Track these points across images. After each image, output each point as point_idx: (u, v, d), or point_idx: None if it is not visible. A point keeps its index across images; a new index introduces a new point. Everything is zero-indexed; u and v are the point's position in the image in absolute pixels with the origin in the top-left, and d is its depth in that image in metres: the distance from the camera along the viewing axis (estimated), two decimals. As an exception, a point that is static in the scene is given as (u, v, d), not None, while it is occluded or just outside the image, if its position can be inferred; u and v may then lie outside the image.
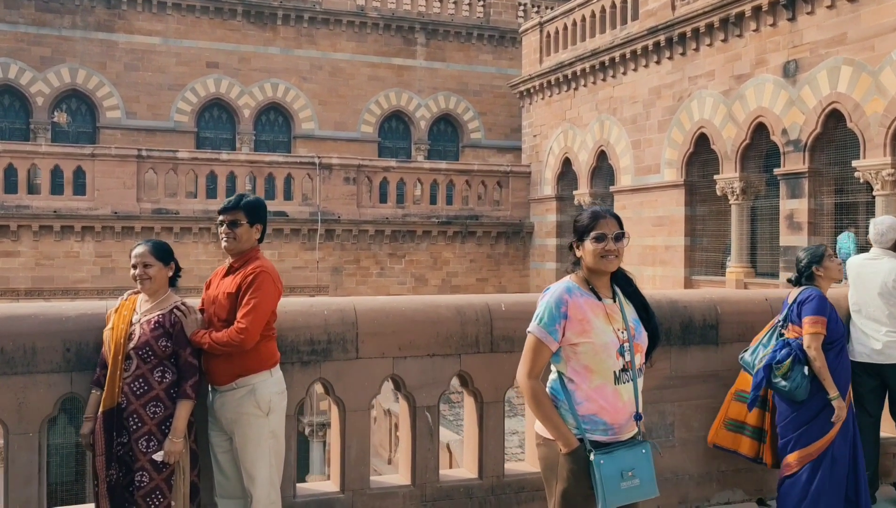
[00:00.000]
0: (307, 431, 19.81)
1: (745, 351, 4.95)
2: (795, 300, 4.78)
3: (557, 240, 21.94)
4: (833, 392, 4.52)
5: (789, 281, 4.99)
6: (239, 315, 3.50)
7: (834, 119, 13.89)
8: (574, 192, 21.06)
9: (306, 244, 20.42)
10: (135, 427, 3.44)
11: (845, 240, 12.63)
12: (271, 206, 20.13)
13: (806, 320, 4.63)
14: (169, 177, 19.35)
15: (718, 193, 16.39)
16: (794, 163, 14.49)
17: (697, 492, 5.00)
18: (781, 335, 4.79)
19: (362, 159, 21.58)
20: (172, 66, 24.42)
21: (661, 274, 17.41)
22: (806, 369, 4.55)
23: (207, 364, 3.60)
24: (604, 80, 19.76)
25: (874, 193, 13.13)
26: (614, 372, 3.05)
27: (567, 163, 21.46)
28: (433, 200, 22.13)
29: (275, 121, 26.26)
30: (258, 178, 20.31)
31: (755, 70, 15.33)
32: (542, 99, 22.57)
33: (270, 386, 3.63)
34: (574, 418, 3.05)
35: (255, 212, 3.70)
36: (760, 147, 15.74)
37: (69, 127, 23.57)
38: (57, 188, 18.78)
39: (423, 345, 4.36)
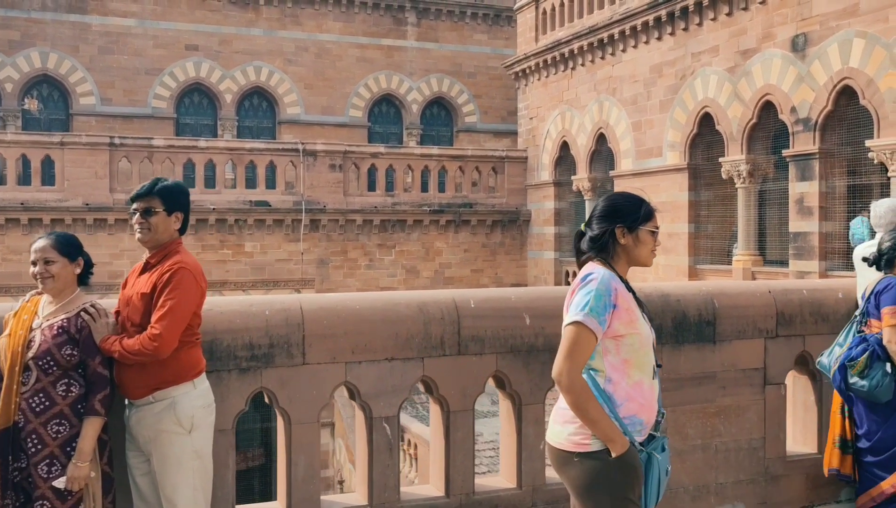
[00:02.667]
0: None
1: (822, 353, 4.61)
2: (873, 291, 4.41)
3: (556, 228, 21.57)
4: None
5: (865, 259, 4.63)
6: (153, 319, 3.14)
7: (846, 96, 13.49)
8: (572, 177, 20.68)
9: (290, 235, 20.04)
10: (34, 449, 3.08)
11: (859, 225, 12.17)
12: (254, 196, 19.78)
13: (885, 311, 4.26)
14: (144, 166, 18.95)
15: (724, 177, 16.00)
16: (804, 143, 14.10)
17: (693, 507, 4.65)
18: (861, 332, 4.44)
19: (349, 145, 21.19)
20: (149, 50, 24.01)
21: (663, 263, 17.04)
22: (888, 366, 4.18)
23: (120, 375, 3.24)
24: (602, 58, 19.35)
25: (889, 175, 12.75)
26: (653, 367, 2.97)
27: (565, 146, 21.07)
28: (424, 188, 21.75)
29: (258, 107, 25.87)
30: (238, 166, 19.93)
31: (762, 45, 14.92)
32: (539, 80, 22.16)
33: (193, 399, 3.27)
34: (616, 420, 2.87)
35: (173, 198, 3.33)
36: (768, 127, 15.35)
37: (41, 114, 23.17)
38: (25, 179, 18.40)
39: (380, 348, 4.00)
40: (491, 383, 4.36)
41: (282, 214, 19.87)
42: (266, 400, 3.96)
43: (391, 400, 4.04)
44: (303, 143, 20.40)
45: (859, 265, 5.08)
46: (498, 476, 4.50)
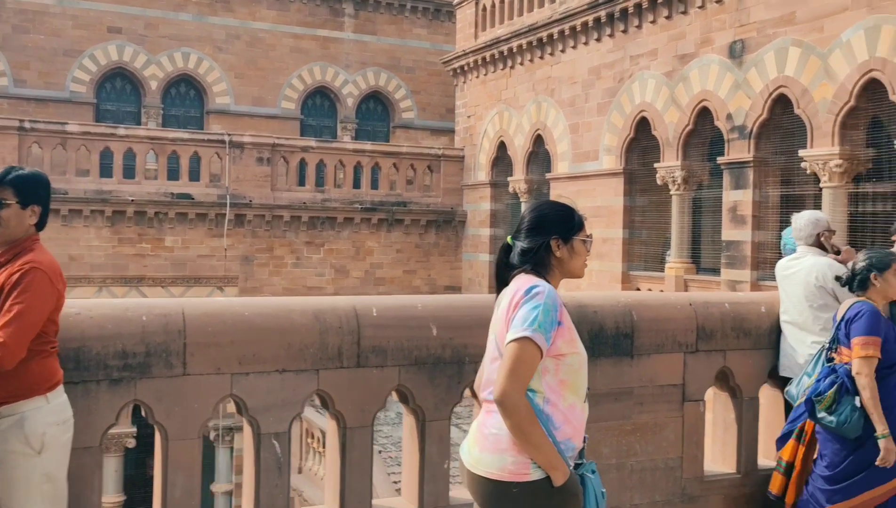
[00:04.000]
0: (213, 436, 19.02)
1: (791, 383, 4.50)
2: (843, 317, 4.26)
3: (492, 230, 21.49)
4: (882, 428, 4.01)
5: (838, 278, 4.50)
6: (-2, 325, 2.83)
7: (781, 104, 13.66)
8: (509, 179, 20.62)
9: (213, 230, 19.53)
10: None
11: (790, 235, 12.37)
12: (176, 187, 19.23)
13: (855, 341, 4.10)
14: (57, 154, 18.25)
15: (659, 182, 16.10)
16: (739, 151, 14.24)
17: (606, 530, 4.50)
18: (830, 360, 4.29)
19: (277, 138, 20.75)
20: (68, 30, 23.17)
21: (597, 268, 17.07)
22: (857, 400, 4.06)
23: (-39, 387, 2.93)
24: (541, 58, 19.32)
25: (821, 185, 12.93)
26: (587, 389, 2.89)
27: (502, 147, 21.00)
28: (357, 184, 21.45)
29: (186, 95, 25.21)
30: (160, 156, 19.34)
31: (700, 50, 15.03)
32: (477, 77, 22.05)
33: (46, 415, 2.97)
34: (555, 444, 2.74)
35: (29, 189, 3.03)
36: (704, 133, 15.48)
37: (-53, 95, 22.19)
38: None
39: (270, 359, 3.75)
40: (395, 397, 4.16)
41: (205, 208, 19.35)
42: (143, 413, 3.68)
43: (282, 415, 3.80)
44: (229, 134, 19.91)
45: (780, 279, 5.02)
46: (399, 497, 4.29)
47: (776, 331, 5.03)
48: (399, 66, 27.24)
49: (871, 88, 12.13)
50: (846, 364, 4.16)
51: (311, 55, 26.14)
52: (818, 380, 4.23)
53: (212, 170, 19.81)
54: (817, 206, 12.76)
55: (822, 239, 5.02)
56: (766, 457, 5.23)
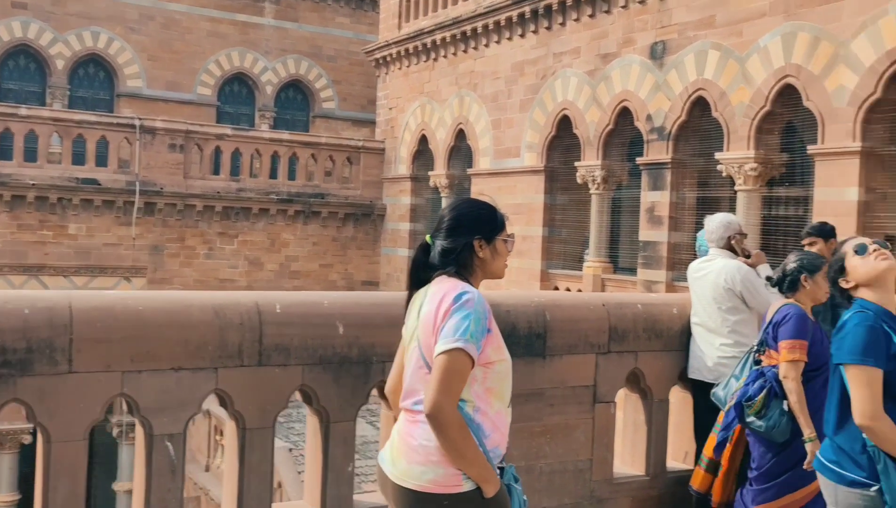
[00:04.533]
0: (115, 433, 18.48)
1: (718, 384, 4.48)
2: (771, 320, 4.26)
3: (411, 224, 21.40)
4: (809, 432, 4.03)
5: (769, 279, 4.49)
6: None
7: (700, 107, 13.94)
8: (430, 173, 20.57)
9: (121, 218, 18.93)
10: None
11: (704, 237, 12.64)
12: (81, 172, 18.59)
13: (783, 345, 4.11)
14: (-49, 134, 17.43)
15: (579, 181, 16.27)
16: (658, 152, 14.49)
17: (514, 533, 4.47)
18: (758, 363, 4.29)
19: (191, 124, 20.22)
20: (-32, 4, 22.17)
21: (516, 265, 17.15)
22: (785, 404, 4.07)
23: None
24: (465, 51, 19.31)
25: (736, 188, 13.25)
26: (510, 395, 2.85)
27: (424, 140, 20.93)
28: (273, 174, 21.09)
29: (94, 76, 24.40)
30: (65, 139, 18.64)
31: (622, 50, 15.23)
32: (400, 69, 21.92)
33: None
34: (485, 454, 2.68)
35: None
36: (625, 133, 15.70)
37: None
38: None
39: (165, 356, 3.60)
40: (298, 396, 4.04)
41: (113, 194, 18.74)
42: (24, 413, 3.48)
43: (177, 416, 3.64)
44: (140, 119, 19.32)
45: (692, 281, 5.08)
46: (300, 501, 4.18)
47: (687, 333, 5.08)
48: (321, 54, 26.92)
49: (787, 94, 12.47)
50: (774, 367, 4.19)
51: (229, 40, 25.60)
52: (747, 384, 4.25)
53: (121, 156, 19.19)
54: (732, 209, 13.08)
55: (733, 242, 5.09)
56: (675, 459, 5.30)
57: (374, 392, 4.13)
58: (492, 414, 2.73)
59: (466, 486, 2.64)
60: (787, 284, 4.32)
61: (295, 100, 27.18)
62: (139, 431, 3.71)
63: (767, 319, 4.34)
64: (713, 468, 4.58)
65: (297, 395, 4.03)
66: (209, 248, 19.90)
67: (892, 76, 11.03)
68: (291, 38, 26.49)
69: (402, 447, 2.75)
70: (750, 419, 4.16)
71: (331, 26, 26.99)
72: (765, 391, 4.12)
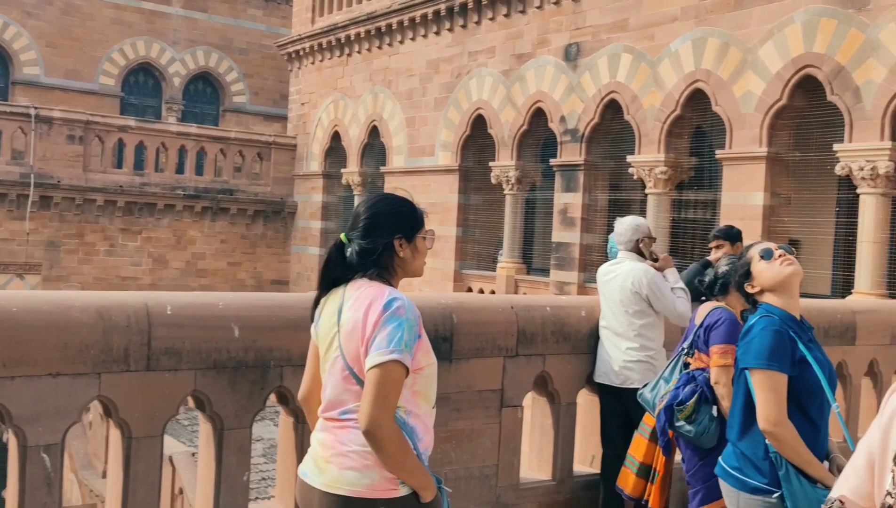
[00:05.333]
0: (5, 438, 17.66)
1: (645, 386, 4.40)
2: (702, 324, 4.19)
3: (323, 222, 21.14)
4: None
5: (700, 282, 4.43)
6: None
7: (612, 109, 14.13)
8: (343, 170, 20.35)
9: (14, 212, 18.15)
10: None
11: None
12: (-29, 164, 17.72)
13: (714, 349, 4.05)
14: None
15: (493, 181, 16.31)
16: (571, 153, 14.62)
17: (417, 542, 4.37)
18: (686, 365, 4.22)
19: (92, 114, 19.53)
20: None
21: (430, 265, 17.05)
22: (715, 409, 4.01)
23: None
24: (380, 48, 19.17)
25: (646, 191, 13.46)
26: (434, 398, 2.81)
27: (337, 137, 20.69)
28: (180, 169, 20.54)
29: (-12, 62, 23.37)
30: (-46, 129, 17.79)
31: (537, 50, 15.33)
32: (313, 64, 21.63)
33: None
34: (419, 457, 2.65)
35: None
36: (538, 134, 15.81)
37: None
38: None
39: (42, 361, 3.36)
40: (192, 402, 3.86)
41: (5, 187, 17.95)
42: None
43: (54, 425, 3.41)
44: (36, 108, 18.55)
45: (601, 284, 5.07)
46: (192, 513, 3.99)
47: (595, 336, 5.07)
48: (232, 46, 26.39)
49: (696, 98, 12.74)
50: (704, 370, 4.17)
51: (134, 28, 24.86)
52: (677, 387, 4.22)
53: (14, 146, 18.39)
54: (643, 212, 13.29)
55: (641, 245, 5.09)
56: (582, 463, 5.28)
57: (273, 398, 3.98)
58: (422, 415, 2.70)
59: (403, 490, 2.59)
60: (718, 287, 4.32)
61: (204, 93, 26.57)
62: (12, 441, 3.47)
63: (697, 321, 4.33)
64: (646, 473, 4.56)
65: (190, 401, 3.84)
66: (110, 245, 19.25)
67: (798, 83, 11.37)
68: (201, 29, 25.88)
69: (329, 454, 2.66)
70: (679, 423, 4.14)
71: (242, 18, 26.48)
72: (696, 396, 4.10)
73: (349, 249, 2.72)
